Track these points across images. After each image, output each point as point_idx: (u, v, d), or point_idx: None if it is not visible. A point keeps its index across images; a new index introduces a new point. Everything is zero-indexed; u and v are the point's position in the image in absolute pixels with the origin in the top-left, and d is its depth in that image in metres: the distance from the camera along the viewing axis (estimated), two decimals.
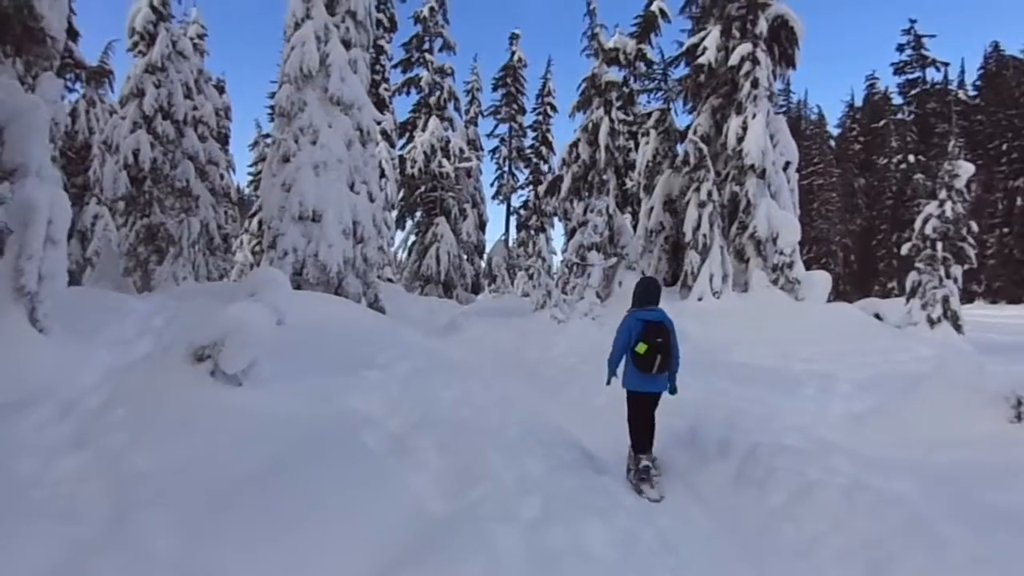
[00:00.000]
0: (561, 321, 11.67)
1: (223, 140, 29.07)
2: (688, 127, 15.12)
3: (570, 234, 15.41)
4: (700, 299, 12.49)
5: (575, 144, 15.49)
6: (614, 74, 15.37)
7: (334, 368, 7.00)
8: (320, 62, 11.75)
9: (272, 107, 13.82)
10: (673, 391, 5.29)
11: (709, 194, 13.07)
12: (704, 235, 12.90)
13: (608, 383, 5.41)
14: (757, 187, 13.16)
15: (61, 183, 15.75)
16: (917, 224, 14.40)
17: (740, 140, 13.12)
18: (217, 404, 5.18)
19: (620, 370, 5.28)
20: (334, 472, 4.15)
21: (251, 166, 35.19)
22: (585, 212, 14.28)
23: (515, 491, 3.96)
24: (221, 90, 29.97)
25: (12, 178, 8.27)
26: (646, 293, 5.31)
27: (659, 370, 4.98)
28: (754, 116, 13.04)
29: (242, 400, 5.29)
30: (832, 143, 41.37)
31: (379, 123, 23.88)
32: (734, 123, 13.26)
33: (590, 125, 15.03)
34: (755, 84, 13.09)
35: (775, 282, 12.91)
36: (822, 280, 13.13)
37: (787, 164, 14.16)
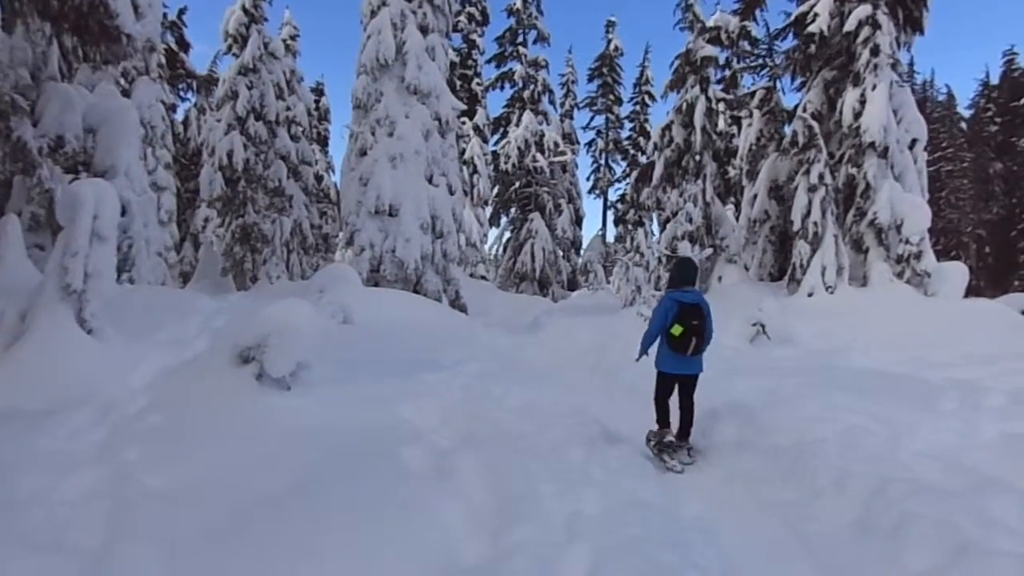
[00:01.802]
0: (648, 319, 10.72)
1: (322, 142, 29.86)
2: (796, 105, 13.67)
3: (663, 225, 14.24)
4: (810, 295, 11.18)
5: (668, 127, 14.34)
6: (712, 50, 14.11)
7: (394, 371, 6.52)
8: (397, 50, 11.37)
9: None
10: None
11: (821, 177, 11.67)
12: (815, 223, 11.52)
13: (637, 360, 5.43)
14: (878, 168, 11.63)
15: (172, 185, 16.26)
16: None
17: (857, 115, 11.65)
18: (255, 411, 4.78)
19: (653, 350, 5.32)
20: (361, 495, 3.58)
21: None
22: (678, 200, 13.16)
23: (562, 537, 3.18)
24: (320, 93, 30.79)
25: (104, 178, 8.34)
26: (682, 274, 5.28)
27: (694, 352, 5.01)
28: (874, 88, 11.53)
29: (282, 407, 4.87)
30: (963, 125, 37.34)
31: (465, 114, 23.57)
32: (850, 96, 11.78)
33: (684, 105, 13.84)
34: (875, 52, 11.57)
35: (900, 275, 11.37)
36: (958, 272, 11.41)
37: (913, 142, 12.49)
